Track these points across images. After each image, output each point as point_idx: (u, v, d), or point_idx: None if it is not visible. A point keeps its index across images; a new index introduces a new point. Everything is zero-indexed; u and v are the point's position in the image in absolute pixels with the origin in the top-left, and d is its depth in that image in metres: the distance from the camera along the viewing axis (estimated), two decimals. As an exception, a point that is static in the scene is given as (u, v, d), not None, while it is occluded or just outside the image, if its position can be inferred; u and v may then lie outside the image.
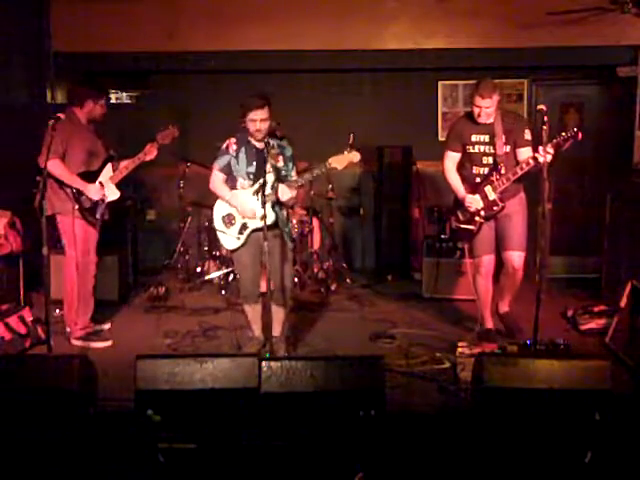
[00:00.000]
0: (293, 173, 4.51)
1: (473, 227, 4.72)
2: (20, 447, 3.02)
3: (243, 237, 4.47)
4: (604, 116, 7.01)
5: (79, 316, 4.90)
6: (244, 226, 4.46)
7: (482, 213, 4.66)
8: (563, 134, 4.25)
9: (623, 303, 4.70)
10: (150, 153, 4.88)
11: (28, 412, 3.08)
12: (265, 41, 6.53)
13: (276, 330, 4.61)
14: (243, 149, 4.42)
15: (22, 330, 4.80)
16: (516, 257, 4.68)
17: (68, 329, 4.92)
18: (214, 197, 6.85)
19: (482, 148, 4.62)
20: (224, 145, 4.48)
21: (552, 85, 7.12)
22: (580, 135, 4.21)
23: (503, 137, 4.55)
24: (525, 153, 4.50)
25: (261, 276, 4.62)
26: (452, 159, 4.77)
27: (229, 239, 4.53)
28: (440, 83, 7.18)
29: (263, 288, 4.65)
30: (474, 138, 4.64)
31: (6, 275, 5.47)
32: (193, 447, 3.04)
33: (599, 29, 6.31)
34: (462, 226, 4.79)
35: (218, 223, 4.57)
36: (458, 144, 4.72)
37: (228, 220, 4.51)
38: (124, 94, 7.21)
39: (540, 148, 4.21)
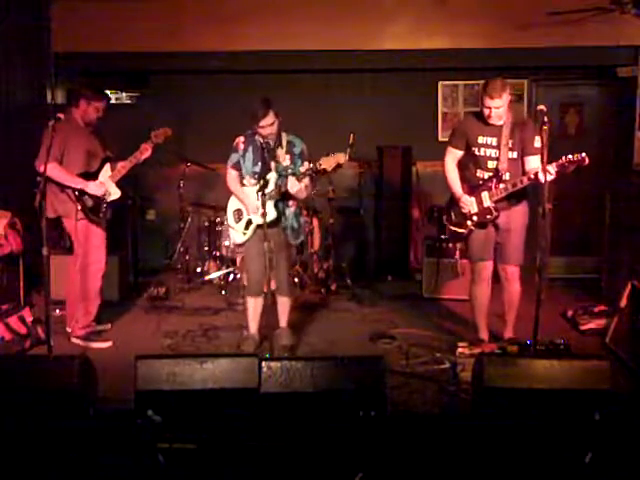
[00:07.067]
0: (302, 169, 4.47)
1: (463, 230, 4.56)
2: (20, 447, 3.02)
3: (249, 232, 4.64)
4: (604, 116, 7.02)
5: (81, 315, 4.90)
6: (249, 222, 4.63)
7: (474, 218, 4.46)
8: (570, 157, 3.99)
9: (623, 303, 4.70)
10: (145, 152, 4.90)
11: (28, 412, 3.08)
12: (265, 41, 6.53)
13: (282, 321, 4.83)
14: (250, 148, 4.56)
15: (22, 330, 4.80)
16: (509, 271, 4.54)
17: (68, 329, 4.92)
18: (214, 197, 6.93)
19: (488, 152, 4.37)
20: (235, 143, 4.63)
21: (552, 85, 7.12)
22: (587, 160, 3.99)
23: (510, 142, 4.30)
24: (533, 162, 4.23)
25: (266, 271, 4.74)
26: (453, 156, 4.54)
27: (237, 234, 4.73)
28: (440, 83, 7.19)
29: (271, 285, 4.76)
30: (481, 140, 4.38)
31: (6, 275, 5.47)
32: (193, 447, 3.04)
33: (599, 29, 6.29)
34: (452, 227, 4.64)
35: (229, 218, 4.79)
36: (461, 142, 4.48)
37: (237, 216, 4.70)
38: (124, 94, 7.21)
39: (543, 167, 4.03)
